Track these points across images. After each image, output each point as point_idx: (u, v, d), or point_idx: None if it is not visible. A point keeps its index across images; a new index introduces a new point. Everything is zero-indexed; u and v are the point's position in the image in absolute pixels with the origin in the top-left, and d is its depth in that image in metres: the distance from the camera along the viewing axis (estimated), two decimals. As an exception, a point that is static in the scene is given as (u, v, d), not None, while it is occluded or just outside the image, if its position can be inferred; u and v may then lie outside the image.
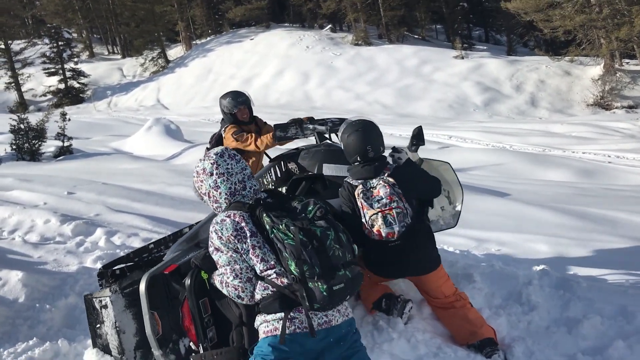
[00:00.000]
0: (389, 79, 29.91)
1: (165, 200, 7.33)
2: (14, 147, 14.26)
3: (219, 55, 37.94)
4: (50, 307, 4.12)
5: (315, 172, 4.05)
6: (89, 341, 3.44)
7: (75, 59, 40.61)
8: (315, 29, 40.91)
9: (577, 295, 4.12)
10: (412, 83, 28.81)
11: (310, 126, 4.64)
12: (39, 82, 39.41)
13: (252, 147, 4.87)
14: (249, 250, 2.55)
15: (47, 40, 40.77)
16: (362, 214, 3.52)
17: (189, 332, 3.02)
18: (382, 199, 3.47)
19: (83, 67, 40.50)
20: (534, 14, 25.51)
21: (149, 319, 3.05)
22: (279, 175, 4.33)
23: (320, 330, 2.52)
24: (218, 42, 40.71)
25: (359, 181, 3.58)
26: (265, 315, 2.55)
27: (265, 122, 5.34)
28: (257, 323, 2.62)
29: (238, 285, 2.57)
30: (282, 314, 2.50)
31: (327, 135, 4.63)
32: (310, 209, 2.62)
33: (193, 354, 3.02)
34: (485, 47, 37.80)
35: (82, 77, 39.40)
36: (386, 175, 3.58)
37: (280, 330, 2.49)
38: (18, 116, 14.90)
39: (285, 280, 2.51)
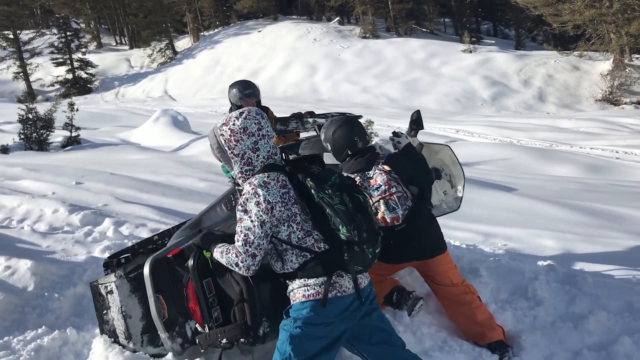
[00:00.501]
0: (396, 72, 29.82)
1: (173, 191, 7.35)
2: (22, 136, 14.32)
3: (227, 47, 37.90)
4: (59, 296, 4.16)
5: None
6: (97, 330, 3.48)
7: (83, 50, 40.68)
8: (323, 21, 40.80)
9: (583, 291, 4.11)
10: (419, 76, 28.71)
11: (310, 119, 4.65)
12: (47, 72, 39.52)
13: None
14: (290, 217, 2.57)
15: (55, 31, 40.85)
16: None
17: (195, 313, 3.04)
18: (381, 186, 3.47)
19: (91, 57, 40.56)
20: (543, 8, 25.35)
21: (154, 302, 3.08)
22: None
23: (356, 291, 2.63)
24: (226, 33, 40.67)
25: (355, 174, 3.58)
26: (306, 279, 2.60)
27: (275, 117, 5.31)
28: (293, 287, 2.65)
29: (241, 253, 2.59)
30: (325, 278, 2.58)
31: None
32: (334, 177, 2.67)
33: (199, 335, 3.04)
34: (493, 41, 37.62)
35: (89, 68, 39.49)
36: (380, 163, 3.59)
37: (322, 294, 2.56)
38: (26, 106, 14.96)
39: (323, 246, 2.59)
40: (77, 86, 38.28)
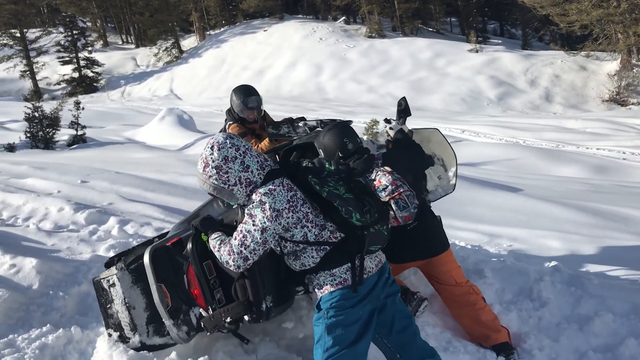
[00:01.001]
0: (402, 71, 29.78)
1: (178, 190, 7.36)
2: (29, 135, 14.38)
3: (233, 46, 37.95)
4: (64, 295, 4.16)
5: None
6: (102, 328, 3.48)
7: (89, 48, 40.83)
8: (329, 20, 40.79)
9: (589, 292, 4.09)
10: (425, 76, 28.66)
11: (301, 123, 4.64)
12: (54, 70, 39.67)
13: None
14: (302, 219, 2.60)
15: (61, 29, 41.01)
16: None
17: (198, 298, 3.04)
18: (388, 186, 3.45)
19: (97, 56, 40.68)
20: (550, 8, 25.25)
21: (156, 291, 3.09)
22: None
23: (381, 269, 2.76)
24: (232, 33, 40.71)
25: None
26: (330, 270, 2.66)
27: (272, 121, 5.24)
28: (319, 281, 2.70)
29: (234, 253, 2.63)
30: (349, 265, 2.65)
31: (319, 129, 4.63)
32: (328, 166, 2.74)
33: (203, 318, 3.03)
34: (500, 41, 37.52)
35: (96, 66, 39.61)
36: (379, 164, 3.60)
37: (350, 280, 2.65)
38: (33, 104, 15.03)
39: (339, 235, 2.65)
40: (83, 85, 38.40)
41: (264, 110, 5.16)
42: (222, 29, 42.70)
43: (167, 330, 3.19)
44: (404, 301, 3.70)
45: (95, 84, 38.90)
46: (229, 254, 2.65)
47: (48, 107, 15.60)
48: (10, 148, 13.41)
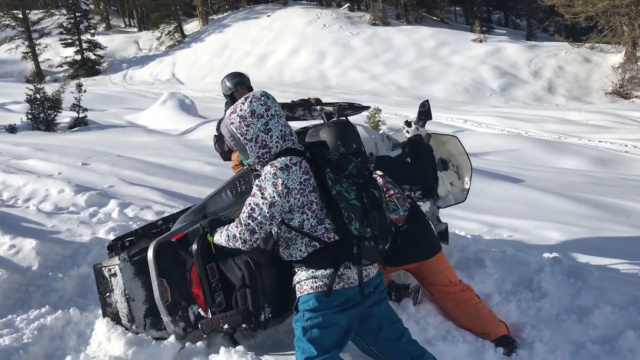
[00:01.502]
0: (405, 60, 29.65)
1: (179, 174, 7.35)
2: (30, 116, 14.35)
3: (236, 31, 37.75)
4: (63, 276, 4.16)
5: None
6: (100, 311, 3.48)
7: (92, 31, 40.61)
8: (333, 7, 40.53)
9: (589, 284, 4.09)
10: (428, 65, 28.54)
11: (318, 107, 4.62)
12: (56, 52, 39.51)
13: None
14: (305, 205, 2.56)
15: (64, 11, 40.75)
16: None
17: (198, 298, 3.04)
18: None
19: (99, 39, 40.50)
20: (556, -1, 25.10)
21: (157, 285, 3.08)
22: None
23: (364, 284, 2.63)
24: (235, 17, 40.49)
25: None
26: (314, 271, 2.61)
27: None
28: (301, 278, 2.65)
29: (242, 225, 2.60)
30: (332, 270, 2.58)
31: (334, 116, 4.60)
32: (351, 166, 2.65)
33: (201, 320, 3.04)
34: (504, 31, 37.30)
35: (98, 49, 39.43)
36: (372, 167, 3.60)
37: (328, 287, 2.57)
38: (34, 86, 14.99)
39: (333, 236, 2.58)
40: (86, 67, 38.25)
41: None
42: (225, 14, 42.46)
43: (164, 325, 3.19)
44: (399, 298, 3.69)
45: (97, 67, 38.75)
46: (237, 227, 2.62)
47: (50, 89, 15.57)
48: (12, 129, 13.39)
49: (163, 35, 41.49)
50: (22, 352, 3.19)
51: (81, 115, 14.84)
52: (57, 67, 39.04)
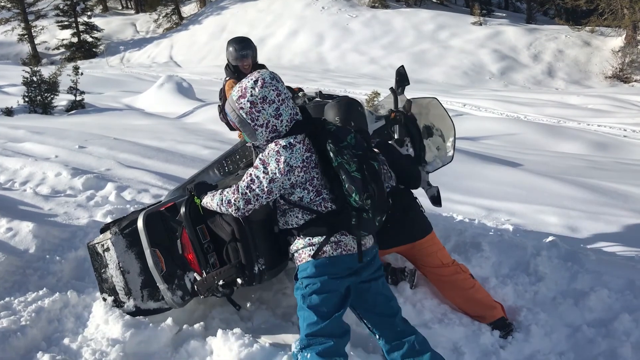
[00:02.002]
0: (404, 43, 29.46)
1: (176, 158, 7.33)
2: (27, 99, 14.26)
3: (234, 13, 37.44)
4: (60, 259, 4.16)
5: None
6: (98, 293, 3.49)
7: (89, 13, 40.19)
8: (332, -11, 40.18)
9: (585, 268, 4.11)
10: (427, 48, 28.37)
11: (300, 94, 4.64)
12: (52, 35, 39.18)
13: None
14: (307, 181, 2.58)
15: (60, -8, 40.36)
16: None
17: (192, 263, 3.05)
18: None
19: (96, 21, 40.13)
20: (557, -19, 24.89)
21: (150, 255, 3.09)
22: None
23: (362, 252, 2.67)
24: (233, -1, 40.16)
25: None
26: (310, 238, 2.64)
27: None
28: (298, 246, 2.69)
29: (238, 192, 2.62)
30: (327, 236, 2.62)
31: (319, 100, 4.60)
32: (350, 136, 2.66)
33: (197, 281, 3.04)
34: (504, 14, 37.01)
35: (95, 32, 39.07)
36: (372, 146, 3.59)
37: (327, 252, 2.62)
38: (31, 69, 14.87)
39: (330, 205, 2.62)
40: (82, 50, 37.93)
41: (264, 66, 5.16)
42: (223, -4, 42.10)
43: (161, 295, 3.20)
44: (396, 281, 3.70)
45: (94, 50, 38.45)
46: (233, 193, 2.64)
47: (47, 71, 15.45)
48: (8, 112, 13.30)
49: (160, 17, 41.14)
50: (20, 334, 3.21)
51: (78, 98, 14.74)
52: (53, 49, 38.73)
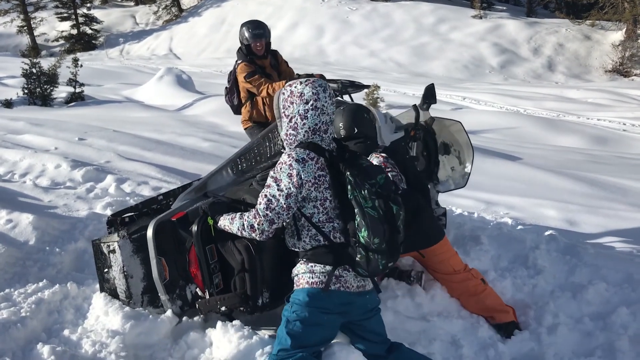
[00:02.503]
0: (404, 36, 29.39)
1: (176, 150, 7.33)
2: (26, 91, 14.22)
3: (233, 5, 37.30)
4: (60, 251, 4.17)
5: None
6: (97, 285, 3.49)
7: (88, 4, 40.01)
8: (332, -18, 40.04)
9: (584, 261, 4.12)
10: (427, 42, 28.30)
11: (337, 91, 4.61)
12: (52, 26, 39.03)
13: (264, 94, 4.72)
14: (319, 200, 2.58)
15: (59, -16, 40.18)
16: None
17: (196, 278, 3.07)
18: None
19: (96, 13, 39.97)
20: (557, -25, 24.80)
21: (156, 264, 3.09)
22: None
23: (359, 294, 2.67)
24: (232, -9, 39.99)
25: None
26: (313, 265, 2.62)
27: (286, 62, 5.20)
28: (299, 271, 2.68)
29: (260, 216, 2.61)
30: (331, 268, 2.60)
31: (337, 94, 4.58)
32: (380, 176, 2.63)
33: (199, 300, 3.07)
34: (504, 8, 36.88)
35: (94, 24, 38.93)
36: (378, 151, 3.60)
37: (325, 282, 2.59)
38: (30, 60, 14.81)
39: (339, 236, 2.61)
40: (82, 42, 37.79)
41: (277, 51, 5.13)
42: (222, -12, 41.92)
43: (161, 303, 3.21)
44: (400, 280, 3.68)
45: (93, 42, 38.33)
46: (255, 217, 2.64)
47: (46, 63, 15.40)
48: (8, 104, 13.27)
49: (160, 9, 40.96)
50: (20, 325, 3.21)
51: (78, 90, 14.70)
52: (53, 41, 38.59)
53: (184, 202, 3.35)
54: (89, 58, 30.50)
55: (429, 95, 4.07)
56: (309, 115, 2.62)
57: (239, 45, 4.95)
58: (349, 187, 2.54)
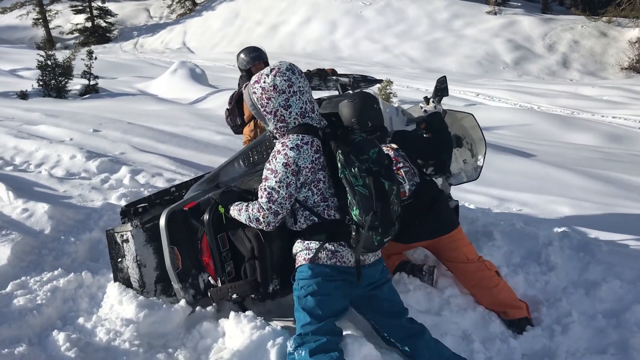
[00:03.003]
0: (418, 32, 29.25)
1: (189, 143, 7.37)
2: (41, 83, 14.34)
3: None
4: (75, 240, 4.21)
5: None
6: (111, 275, 3.53)
7: (103, -2, 40.28)
8: (346, -24, 39.89)
9: (597, 259, 4.10)
10: (441, 37, 28.16)
11: (333, 78, 4.60)
12: (66, 19, 39.28)
13: None
14: (313, 182, 2.59)
15: (75, -23, 40.38)
16: None
17: (208, 267, 3.09)
18: None
19: (110, 6, 40.16)
20: (574, -29, 24.54)
21: (169, 253, 3.12)
22: None
23: (362, 268, 2.68)
24: (246, -14, 39.98)
25: None
26: (309, 242, 2.66)
27: None
28: (297, 249, 2.72)
29: (264, 209, 2.63)
30: (323, 242, 2.63)
31: (349, 88, 4.57)
32: (373, 151, 2.62)
33: (211, 289, 3.10)
34: (519, 4, 36.57)
35: (109, 17, 39.13)
36: (388, 141, 3.58)
37: (322, 260, 2.63)
38: (45, 52, 14.94)
39: (333, 214, 2.62)
40: (96, 35, 38.01)
41: None
42: (236, -18, 41.92)
43: (174, 292, 3.24)
44: (412, 275, 3.67)
45: (108, 35, 38.53)
46: (259, 211, 2.66)
47: (61, 56, 15.53)
48: (23, 95, 13.40)
49: (174, 3, 41.06)
50: (36, 312, 3.25)
51: (92, 82, 14.82)
52: (67, 34, 38.83)
53: (196, 193, 3.38)
54: (103, 51, 30.66)
55: (442, 88, 4.05)
56: (291, 103, 2.60)
57: (240, 71, 5.04)
58: (339, 165, 2.53)
